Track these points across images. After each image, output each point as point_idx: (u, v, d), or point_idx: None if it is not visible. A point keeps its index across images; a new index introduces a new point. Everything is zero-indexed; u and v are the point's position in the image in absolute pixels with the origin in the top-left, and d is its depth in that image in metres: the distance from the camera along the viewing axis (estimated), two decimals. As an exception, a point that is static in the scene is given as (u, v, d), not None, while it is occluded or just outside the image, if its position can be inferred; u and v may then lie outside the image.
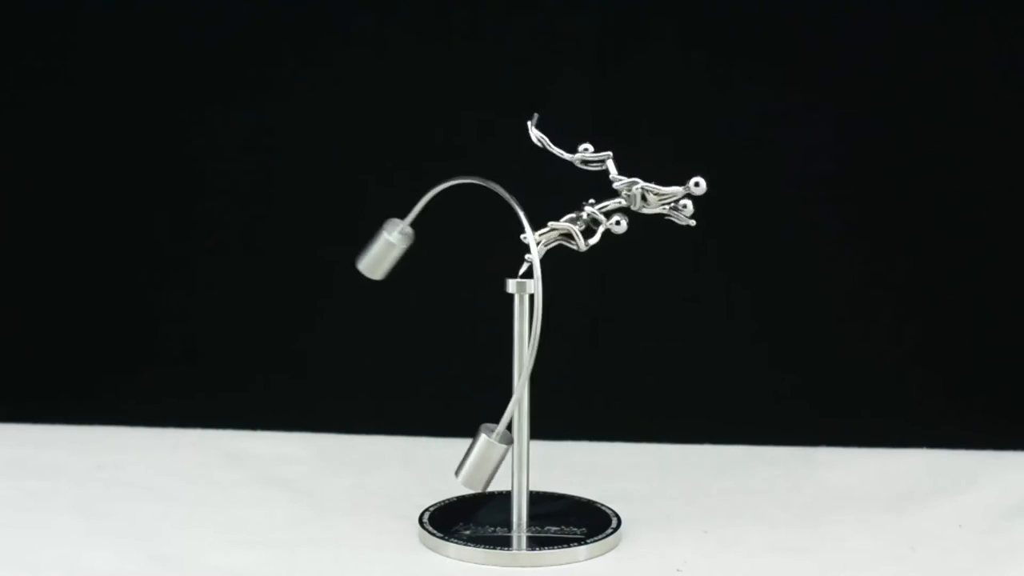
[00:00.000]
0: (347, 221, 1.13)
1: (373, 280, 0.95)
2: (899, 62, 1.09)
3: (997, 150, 1.10)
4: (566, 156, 0.92)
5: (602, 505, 0.98)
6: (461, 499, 0.99)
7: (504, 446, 0.90)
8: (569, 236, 0.93)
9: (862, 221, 1.11)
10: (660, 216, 0.93)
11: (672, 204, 0.92)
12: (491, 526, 0.94)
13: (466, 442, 0.96)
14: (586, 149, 0.91)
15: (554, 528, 0.93)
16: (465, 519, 0.95)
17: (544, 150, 0.92)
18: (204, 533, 0.94)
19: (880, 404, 1.12)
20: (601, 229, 0.93)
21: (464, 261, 1.10)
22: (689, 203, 0.92)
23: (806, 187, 1.11)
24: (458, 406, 1.12)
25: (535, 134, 0.92)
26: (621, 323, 1.13)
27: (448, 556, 0.91)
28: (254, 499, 1.00)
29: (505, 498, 0.95)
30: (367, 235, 1.12)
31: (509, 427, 0.91)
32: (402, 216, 0.95)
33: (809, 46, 1.09)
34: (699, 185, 0.91)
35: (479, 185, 0.91)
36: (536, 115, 0.92)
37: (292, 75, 1.12)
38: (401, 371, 1.13)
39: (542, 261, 0.90)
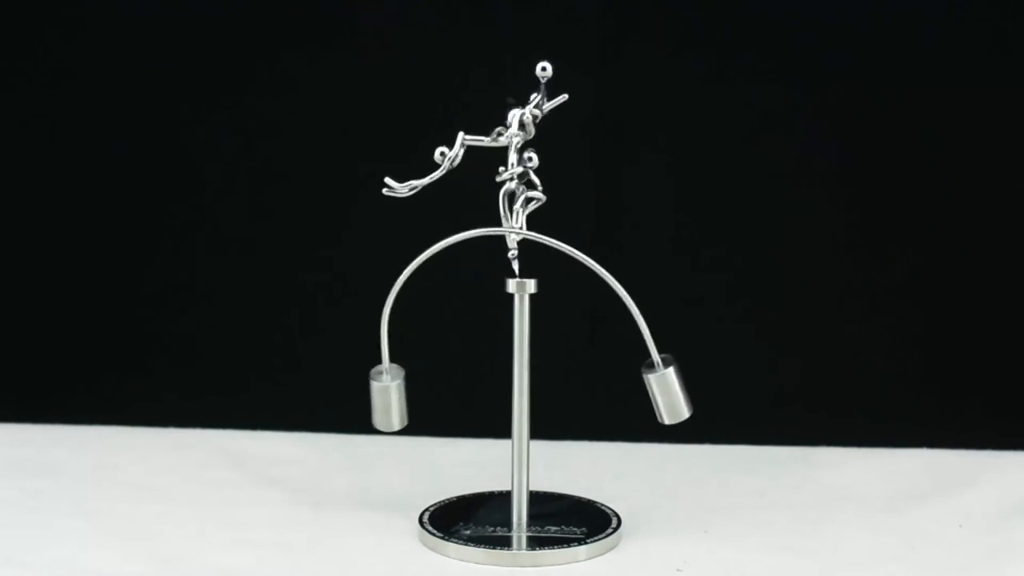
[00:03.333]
0: (346, 221, 1.13)
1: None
2: (899, 60, 1.09)
3: (998, 149, 1.10)
4: (485, 141, 0.93)
5: (602, 505, 0.98)
6: (461, 499, 0.99)
7: (671, 367, 0.92)
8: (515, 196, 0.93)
9: (862, 221, 1.11)
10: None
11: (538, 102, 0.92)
12: (491, 526, 0.94)
13: (466, 442, 0.96)
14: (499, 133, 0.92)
15: (554, 528, 0.93)
16: (465, 519, 0.95)
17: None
18: (204, 533, 0.94)
19: (880, 404, 1.12)
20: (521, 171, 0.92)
21: (464, 261, 1.10)
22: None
23: (806, 187, 1.11)
24: (458, 406, 1.12)
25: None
26: (621, 323, 1.13)
27: (448, 556, 0.91)
28: (254, 499, 1.00)
29: (505, 498, 0.95)
30: (366, 234, 1.12)
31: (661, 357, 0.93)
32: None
33: (809, 45, 1.09)
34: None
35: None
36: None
37: (290, 74, 1.12)
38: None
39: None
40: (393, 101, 1.11)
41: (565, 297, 1.09)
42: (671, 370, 0.92)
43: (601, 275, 0.91)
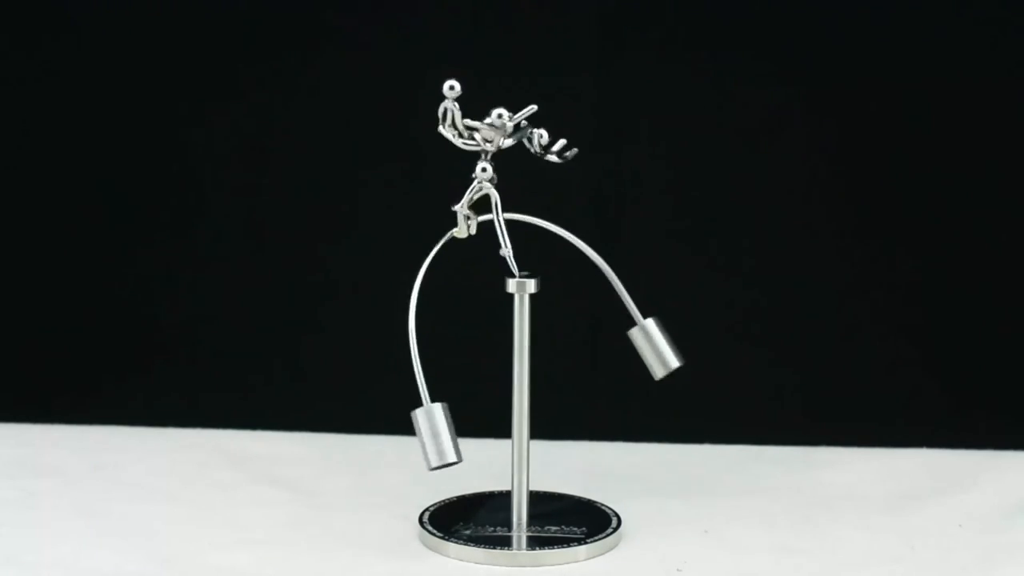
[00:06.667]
0: (347, 221, 1.13)
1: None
2: (900, 60, 1.09)
3: (998, 149, 1.10)
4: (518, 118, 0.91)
5: (602, 505, 0.98)
6: (461, 499, 0.99)
7: (651, 319, 0.93)
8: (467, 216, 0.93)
9: (862, 221, 1.11)
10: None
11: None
12: (491, 526, 0.94)
13: (466, 442, 0.96)
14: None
15: (554, 528, 0.93)
16: (465, 519, 0.95)
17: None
18: (204, 533, 0.94)
19: (880, 404, 1.12)
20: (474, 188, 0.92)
21: (464, 261, 1.10)
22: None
23: (806, 187, 1.11)
24: (458, 406, 1.12)
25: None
26: (621, 323, 1.13)
27: (448, 556, 0.91)
28: (254, 499, 1.00)
29: (505, 498, 0.95)
30: (366, 235, 1.12)
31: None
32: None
33: (809, 46, 1.09)
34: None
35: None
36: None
37: (291, 74, 1.11)
38: (401, 371, 1.13)
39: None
40: (393, 102, 1.11)
41: (565, 297, 1.09)
42: (651, 321, 0.94)
43: (572, 240, 0.92)
